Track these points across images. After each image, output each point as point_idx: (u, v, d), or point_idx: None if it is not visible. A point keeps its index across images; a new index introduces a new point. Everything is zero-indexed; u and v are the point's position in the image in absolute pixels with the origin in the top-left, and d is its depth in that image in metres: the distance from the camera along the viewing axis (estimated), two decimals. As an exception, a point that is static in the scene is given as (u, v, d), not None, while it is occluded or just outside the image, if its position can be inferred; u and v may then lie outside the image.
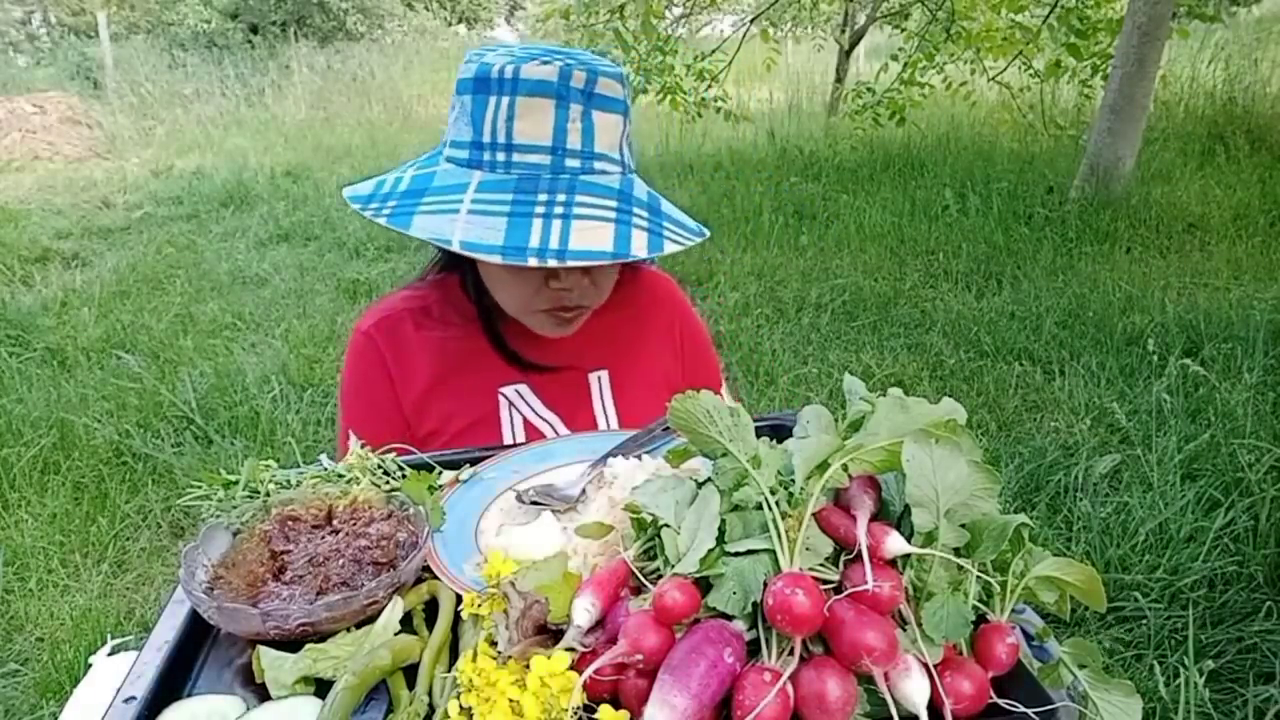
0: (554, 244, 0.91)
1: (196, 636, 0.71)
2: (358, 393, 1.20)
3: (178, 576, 0.71)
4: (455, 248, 0.91)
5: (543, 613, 0.62)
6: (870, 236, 5.53)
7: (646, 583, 0.62)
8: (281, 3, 17.34)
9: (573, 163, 0.98)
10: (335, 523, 0.79)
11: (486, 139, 0.98)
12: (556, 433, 1.15)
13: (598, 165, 0.99)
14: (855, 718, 0.55)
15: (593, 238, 0.93)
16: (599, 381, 1.21)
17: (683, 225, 1.04)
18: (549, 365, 1.18)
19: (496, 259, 0.90)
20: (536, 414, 1.16)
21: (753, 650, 0.58)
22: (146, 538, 2.82)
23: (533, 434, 1.15)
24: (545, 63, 0.96)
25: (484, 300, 1.15)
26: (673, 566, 0.61)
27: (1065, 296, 4.38)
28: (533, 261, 0.90)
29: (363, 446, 0.92)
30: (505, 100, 0.96)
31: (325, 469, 0.87)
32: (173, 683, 0.65)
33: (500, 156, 0.97)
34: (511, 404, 1.17)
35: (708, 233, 1.07)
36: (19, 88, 11.18)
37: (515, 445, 1.01)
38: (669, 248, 0.98)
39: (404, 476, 0.87)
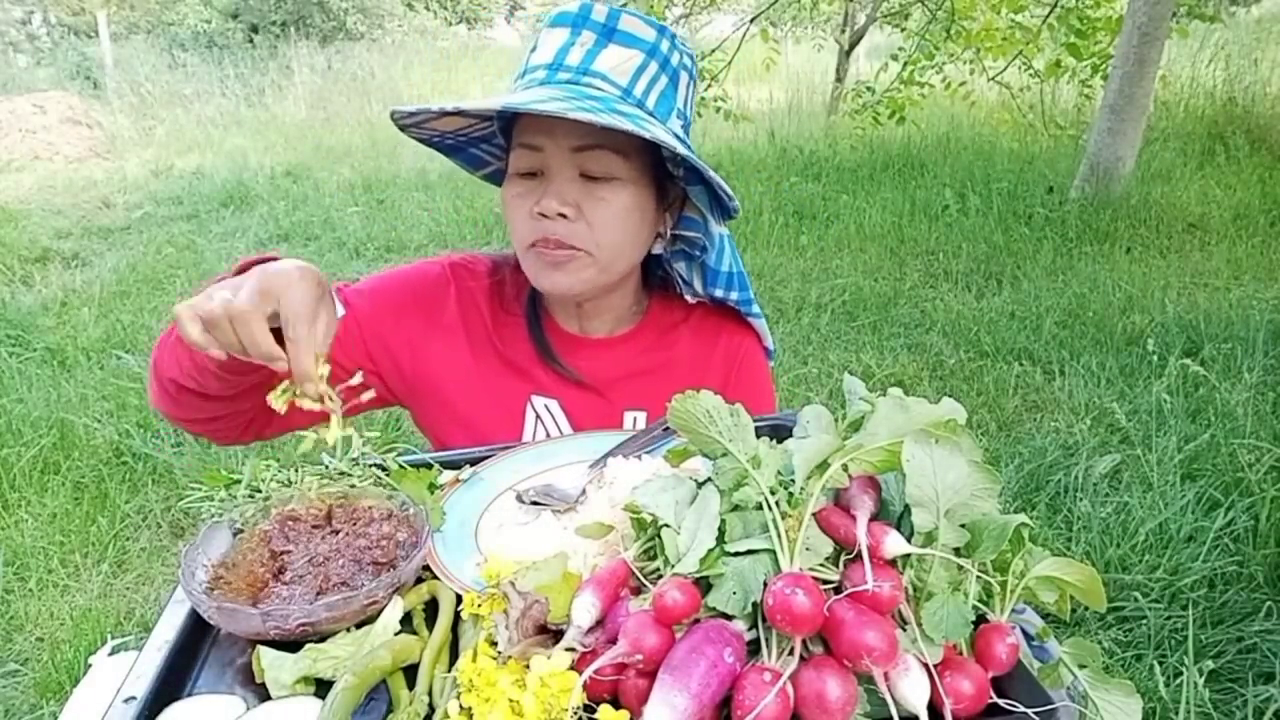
0: (495, 107, 0.94)
1: (196, 636, 0.71)
2: (389, 290, 1.15)
3: (178, 576, 0.71)
4: (434, 107, 0.96)
5: (543, 613, 0.62)
6: (870, 236, 5.53)
7: (646, 583, 0.62)
8: (281, 3, 17.34)
9: (564, 75, 0.98)
10: (335, 523, 0.79)
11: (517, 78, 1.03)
12: None
13: (587, 79, 0.97)
14: (855, 718, 0.55)
15: (528, 97, 0.93)
16: (634, 423, 1.13)
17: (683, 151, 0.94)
18: (582, 378, 1.13)
19: (448, 105, 0.95)
20: (561, 434, 1.12)
21: (753, 650, 0.58)
22: (146, 538, 2.82)
23: None
24: (580, 2, 1.00)
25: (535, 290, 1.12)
26: (673, 566, 0.61)
27: (1065, 296, 4.38)
28: (461, 104, 0.94)
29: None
30: (536, 39, 1.02)
31: (326, 468, 0.87)
32: (173, 683, 0.65)
33: (513, 85, 1.03)
34: (539, 417, 1.13)
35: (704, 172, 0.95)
36: (19, 88, 11.17)
37: (515, 445, 1.01)
38: (581, 115, 0.87)
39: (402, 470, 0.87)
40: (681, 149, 0.93)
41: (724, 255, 1.10)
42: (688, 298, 1.17)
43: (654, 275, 1.19)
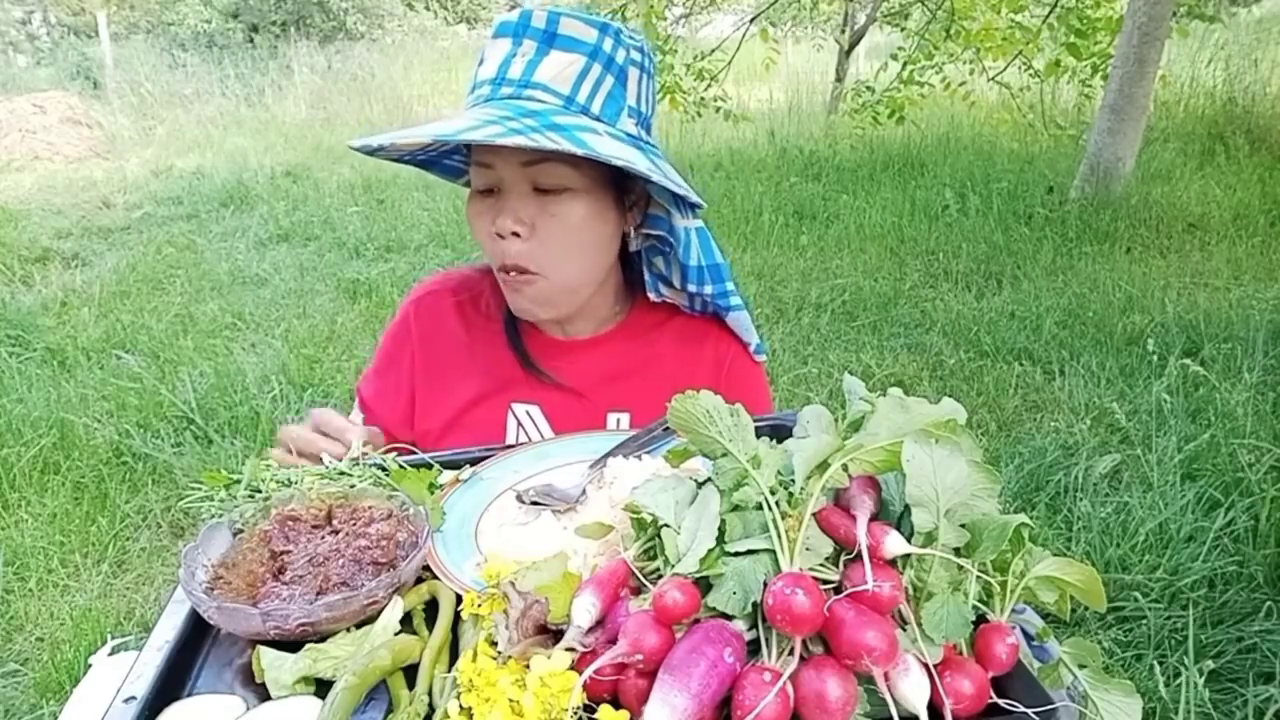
0: (424, 137, 0.93)
1: (196, 636, 0.71)
2: (378, 361, 1.21)
3: (178, 576, 0.71)
4: (374, 142, 0.97)
5: (543, 613, 0.62)
6: (870, 236, 5.53)
7: (646, 583, 0.62)
8: (281, 3, 17.34)
9: (506, 90, 0.98)
10: (335, 523, 0.79)
11: (467, 93, 1.03)
12: None
13: (528, 93, 0.97)
14: (855, 718, 0.55)
15: (464, 121, 0.93)
16: (617, 424, 1.13)
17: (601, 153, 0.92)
18: (562, 382, 1.13)
19: (384, 140, 0.96)
20: (543, 439, 1.11)
21: (753, 650, 0.58)
22: (146, 538, 2.82)
23: None
24: (520, 9, 0.99)
25: None
26: (673, 566, 0.61)
27: (1065, 296, 4.38)
28: (397, 137, 0.94)
29: (366, 444, 0.92)
30: (483, 50, 1.02)
31: (326, 468, 0.87)
32: (173, 683, 0.65)
33: (466, 102, 1.02)
34: (520, 424, 1.13)
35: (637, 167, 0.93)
36: (19, 88, 11.19)
37: (515, 445, 1.01)
38: (510, 139, 0.88)
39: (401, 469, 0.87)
40: (619, 157, 0.92)
41: (691, 249, 1.08)
42: (651, 296, 1.16)
43: (636, 274, 1.19)
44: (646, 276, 1.15)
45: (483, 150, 1.01)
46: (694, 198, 1.01)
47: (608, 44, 0.99)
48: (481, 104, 0.99)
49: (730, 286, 1.13)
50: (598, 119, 0.98)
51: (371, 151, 1.02)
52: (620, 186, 1.06)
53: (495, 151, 0.99)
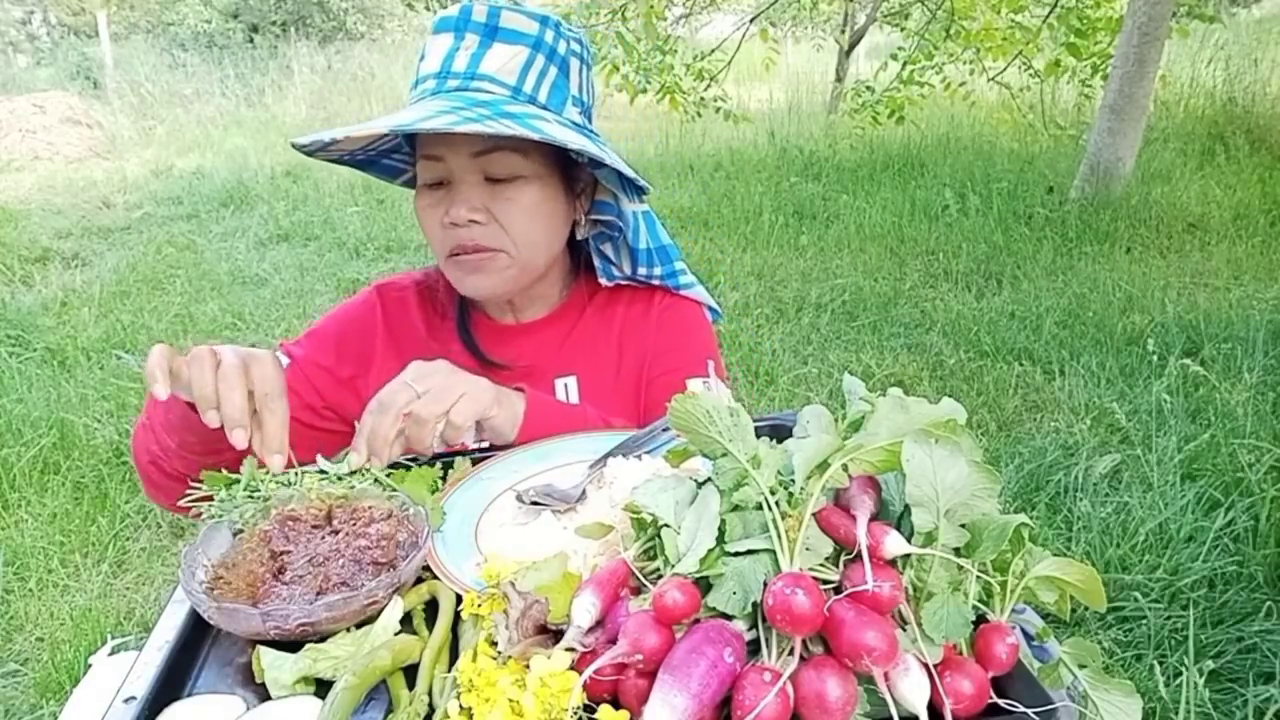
0: (379, 128, 0.93)
1: (196, 636, 0.71)
2: (325, 326, 1.20)
3: (178, 576, 0.71)
4: (326, 137, 0.96)
5: (543, 613, 0.62)
6: (870, 236, 5.53)
7: (646, 583, 0.62)
8: (281, 3, 17.35)
9: (453, 83, 0.99)
10: (335, 523, 0.79)
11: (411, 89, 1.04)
12: None
13: (475, 84, 0.98)
14: (855, 718, 0.55)
15: (415, 114, 0.93)
16: (565, 389, 1.16)
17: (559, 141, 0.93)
18: (509, 362, 1.14)
19: (338, 133, 0.93)
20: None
21: (753, 650, 0.58)
22: (146, 538, 2.82)
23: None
24: (460, 5, 1.00)
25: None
26: (673, 566, 0.61)
27: (1065, 296, 4.38)
28: (350, 130, 0.93)
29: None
30: (424, 47, 1.03)
31: (325, 469, 0.87)
32: (173, 683, 0.65)
33: (409, 97, 1.03)
34: None
35: (583, 145, 0.94)
36: (19, 88, 11.19)
37: (514, 445, 1.01)
38: (467, 127, 0.89)
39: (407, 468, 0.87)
40: (573, 141, 0.94)
41: (640, 233, 1.12)
42: (604, 281, 1.18)
43: (580, 257, 1.22)
44: (598, 263, 1.18)
45: (432, 143, 1.01)
46: (641, 181, 1.04)
47: (549, 36, 1.01)
48: (428, 97, 1.00)
49: (679, 266, 1.17)
50: (545, 108, 1.00)
51: (312, 152, 1.01)
52: (568, 174, 1.08)
53: (446, 143, 1.00)
